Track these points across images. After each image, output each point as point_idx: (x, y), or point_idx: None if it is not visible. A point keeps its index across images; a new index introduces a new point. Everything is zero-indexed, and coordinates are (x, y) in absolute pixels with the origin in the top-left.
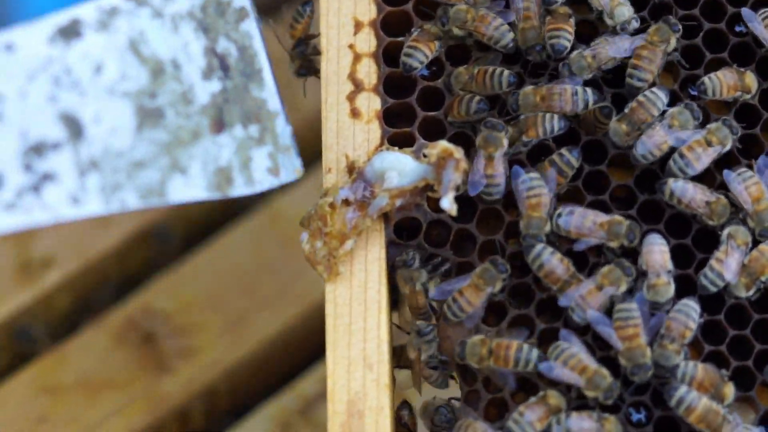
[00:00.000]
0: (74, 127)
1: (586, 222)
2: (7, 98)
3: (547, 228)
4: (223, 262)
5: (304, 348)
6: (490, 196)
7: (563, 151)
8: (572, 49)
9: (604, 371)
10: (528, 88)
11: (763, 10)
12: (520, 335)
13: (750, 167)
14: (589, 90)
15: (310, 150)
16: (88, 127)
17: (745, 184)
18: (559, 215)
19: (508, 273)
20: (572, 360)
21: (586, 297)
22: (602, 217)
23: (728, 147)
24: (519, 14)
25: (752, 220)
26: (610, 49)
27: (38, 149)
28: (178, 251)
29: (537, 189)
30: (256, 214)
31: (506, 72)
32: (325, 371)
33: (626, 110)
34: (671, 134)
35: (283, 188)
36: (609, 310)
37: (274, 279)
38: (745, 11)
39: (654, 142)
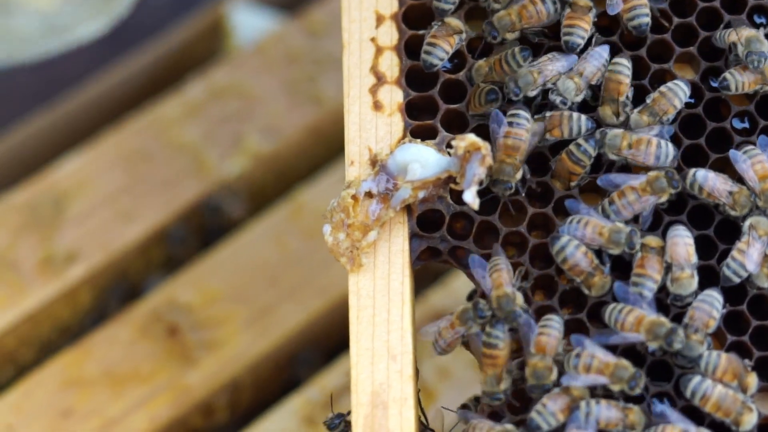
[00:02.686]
0: None
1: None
2: None
3: (519, 176)
4: (246, 255)
5: (328, 340)
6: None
7: (580, 140)
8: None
9: (625, 362)
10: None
11: (748, 148)
12: None
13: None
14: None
15: (333, 143)
16: None
17: (751, 161)
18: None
19: (486, 318)
20: (594, 362)
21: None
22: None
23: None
24: None
25: (760, 199)
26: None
27: None
28: (202, 244)
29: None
30: (279, 206)
31: (517, 48)
32: (349, 364)
33: (648, 101)
34: None
35: (307, 180)
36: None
37: (298, 271)
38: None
39: None
